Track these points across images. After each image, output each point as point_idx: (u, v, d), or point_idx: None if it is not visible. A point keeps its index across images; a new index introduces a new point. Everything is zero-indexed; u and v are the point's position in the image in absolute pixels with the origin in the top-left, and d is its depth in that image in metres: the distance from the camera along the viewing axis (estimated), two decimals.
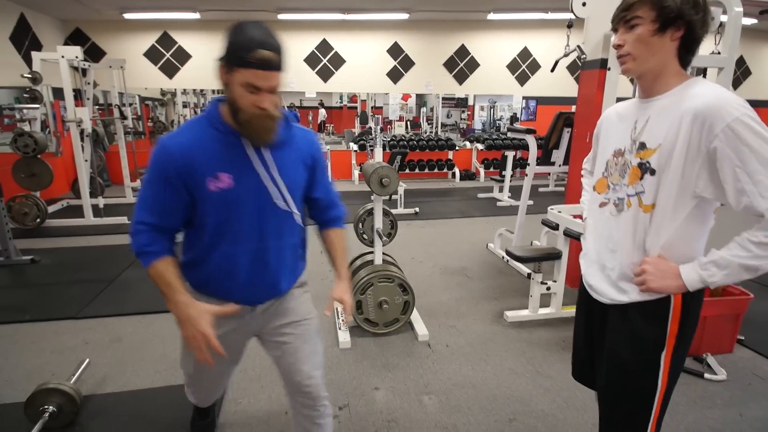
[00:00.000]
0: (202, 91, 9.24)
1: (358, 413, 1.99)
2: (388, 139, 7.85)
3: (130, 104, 6.45)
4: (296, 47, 7.59)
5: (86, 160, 5.01)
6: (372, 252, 2.82)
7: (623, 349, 1.14)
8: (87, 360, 2.14)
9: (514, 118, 11.29)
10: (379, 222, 2.63)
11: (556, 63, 2.95)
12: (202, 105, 9.86)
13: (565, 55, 2.72)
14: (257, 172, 1.17)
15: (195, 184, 1.14)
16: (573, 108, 8.63)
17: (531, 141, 3.51)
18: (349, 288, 1.40)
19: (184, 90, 8.81)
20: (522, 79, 8.45)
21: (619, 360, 1.15)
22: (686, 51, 1.06)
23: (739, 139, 0.93)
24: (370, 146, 3.98)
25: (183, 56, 7.36)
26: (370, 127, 5.15)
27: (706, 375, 2.24)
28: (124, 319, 2.83)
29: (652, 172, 1.06)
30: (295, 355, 1.35)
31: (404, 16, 7.13)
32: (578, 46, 2.70)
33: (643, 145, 1.09)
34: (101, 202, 5.17)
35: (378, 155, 2.53)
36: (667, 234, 1.06)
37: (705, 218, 1.07)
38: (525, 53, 8.31)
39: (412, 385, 2.19)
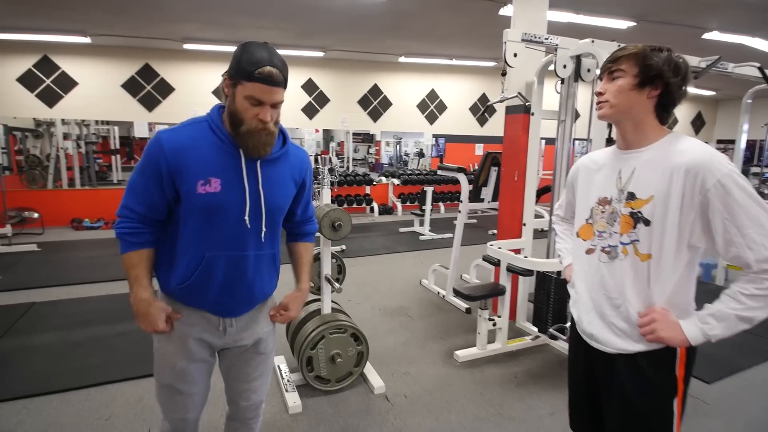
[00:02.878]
0: (84, 121, 8.10)
1: None
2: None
3: None
4: (204, 78, 7.17)
5: None
6: (317, 300, 2.62)
7: (637, 398, 1.13)
8: None
9: (421, 154, 11.88)
10: (327, 268, 2.46)
11: (487, 107, 3.12)
12: (85, 136, 8.68)
13: (501, 101, 2.89)
14: (244, 185, 1.20)
15: (184, 183, 1.15)
16: (478, 147, 9.15)
17: (462, 179, 3.64)
18: (302, 301, 1.46)
19: (63, 120, 7.68)
20: (431, 118, 8.95)
21: (632, 410, 1.14)
22: (663, 109, 1.14)
23: (729, 194, 1.00)
24: (317, 184, 3.80)
25: (67, 83, 6.50)
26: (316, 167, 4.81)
27: None
28: (6, 407, 2.23)
29: (646, 223, 1.09)
30: (247, 378, 1.41)
31: (319, 54, 7.17)
32: (519, 93, 2.89)
33: (632, 195, 1.13)
34: None
35: (326, 197, 2.39)
36: (672, 284, 1.09)
37: (696, 267, 1.13)
38: (433, 94, 8.85)
39: None
